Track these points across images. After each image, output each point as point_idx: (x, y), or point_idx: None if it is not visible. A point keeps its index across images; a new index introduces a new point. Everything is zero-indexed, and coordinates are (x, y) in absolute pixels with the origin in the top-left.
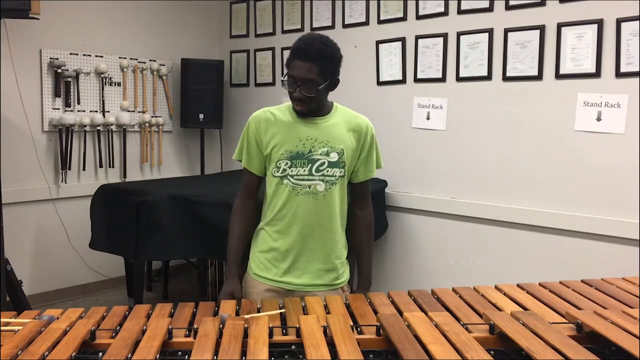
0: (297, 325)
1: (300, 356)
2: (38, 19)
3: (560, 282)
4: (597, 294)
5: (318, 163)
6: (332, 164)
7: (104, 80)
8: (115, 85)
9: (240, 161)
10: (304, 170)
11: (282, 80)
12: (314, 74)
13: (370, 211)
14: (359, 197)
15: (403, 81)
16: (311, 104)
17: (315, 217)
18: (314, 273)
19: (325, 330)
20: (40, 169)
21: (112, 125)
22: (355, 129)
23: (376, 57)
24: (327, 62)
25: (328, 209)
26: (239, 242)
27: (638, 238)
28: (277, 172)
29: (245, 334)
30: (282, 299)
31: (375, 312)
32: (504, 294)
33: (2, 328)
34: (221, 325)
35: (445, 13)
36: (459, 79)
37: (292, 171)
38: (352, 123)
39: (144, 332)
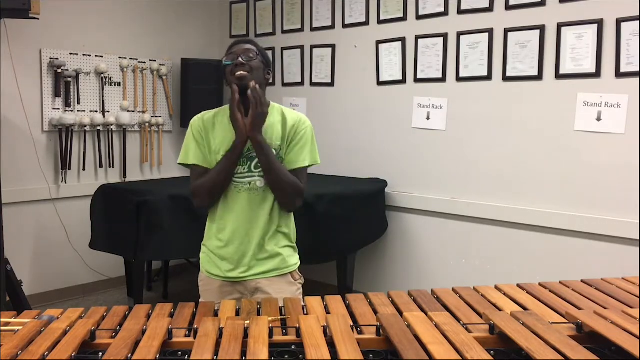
0: (297, 325)
1: (300, 356)
2: (38, 19)
3: (560, 282)
4: (597, 294)
5: (256, 160)
6: None
7: (104, 80)
8: (115, 85)
9: (186, 165)
10: (244, 168)
11: (222, 65)
12: (251, 49)
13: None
14: None
15: (403, 81)
16: (252, 72)
17: (257, 211)
18: (261, 262)
19: (325, 330)
20: (40, 169)
21: (112, 125)
22: (287, 122)
23: (376, 57)
24: (260, 48)
25: (269, 203)
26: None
27: (638, 238)
28: None
29: (245, 334)
30: (282, 301)
31: (375, 312)
32: (504, 294)
33: (2, 328)
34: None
35: (445, 13)
36: (459, 79)
37: None
38: (286, 117)
39: (144, 332)
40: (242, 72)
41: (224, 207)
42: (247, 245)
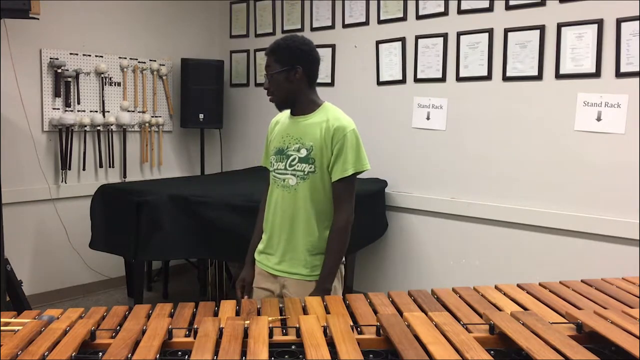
0: (297, 325)
1: (300, 356)
2: (38, 19)
3: (560, 282)
4: (597, 294)
5: (291, 158)
6: (301, 160)
7: (104, 80)
8: (115, 85)
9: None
10: (282, 165)
11: None
12: (270, 64)
13: (342, 215)
14: (334, 198)
15: (403, 81)
16: (275, 94)
17: (288, 209)
18: (289, 262)
19: (325, 330)
20: (40, 169)
21: (112, 125)
22: (329, 128)
23: (376, 57)
24: (280, 51)
25: (299, 203)
26: (258, 236)
27: (638, 238)
28: (270, 166)
29: (245, 334)
30: (282, 302)
31: (375, 312)
32: (504, 294)
33: (2, 328)
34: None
35: (445, 13)
36: (459, 79)
37: (275, 166)
38: (328, 122)
39: (144, 332)
40: (269, 97)
41: (268, 200)
42: (278, 239)
